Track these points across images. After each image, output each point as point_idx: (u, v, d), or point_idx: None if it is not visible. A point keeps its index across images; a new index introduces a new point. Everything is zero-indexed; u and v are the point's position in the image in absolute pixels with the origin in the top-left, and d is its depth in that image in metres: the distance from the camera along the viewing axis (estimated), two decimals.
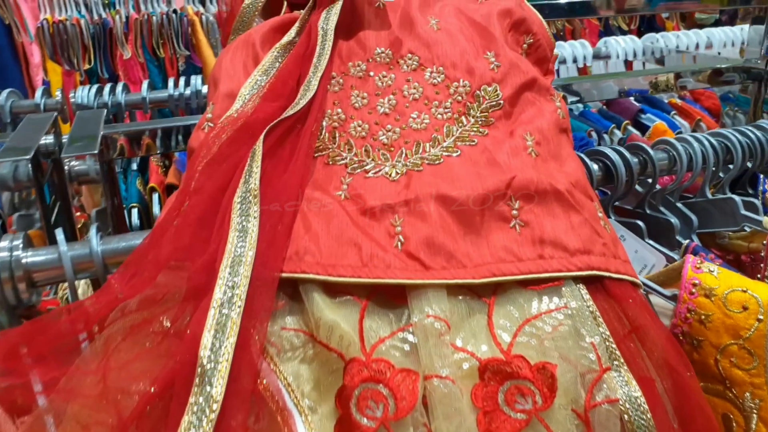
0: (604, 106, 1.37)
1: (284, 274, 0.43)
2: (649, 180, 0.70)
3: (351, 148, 0.55)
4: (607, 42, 1.42)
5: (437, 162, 0.53)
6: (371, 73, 0.60)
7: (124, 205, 1.05)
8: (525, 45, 0.65)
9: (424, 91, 0.59)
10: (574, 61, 1.38)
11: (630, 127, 1.28)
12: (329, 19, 0.60)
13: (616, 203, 0.70)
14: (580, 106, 1.41)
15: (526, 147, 0.54)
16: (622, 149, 0.69)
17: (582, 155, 0.67)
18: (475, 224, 0.48)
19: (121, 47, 2.62)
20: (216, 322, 0.38)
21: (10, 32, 2.45)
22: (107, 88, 1.09)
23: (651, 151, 0.69)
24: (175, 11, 2.59)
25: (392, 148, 0.55)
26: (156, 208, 1.05)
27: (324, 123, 0.56)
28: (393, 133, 0.56)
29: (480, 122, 0.57)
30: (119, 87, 1.10)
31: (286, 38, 0.60)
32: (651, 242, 0.65)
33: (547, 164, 0.54)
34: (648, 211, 0.70)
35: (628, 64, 1.50)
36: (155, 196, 1.05)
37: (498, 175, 0.51)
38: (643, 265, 0.61)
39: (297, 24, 0.62)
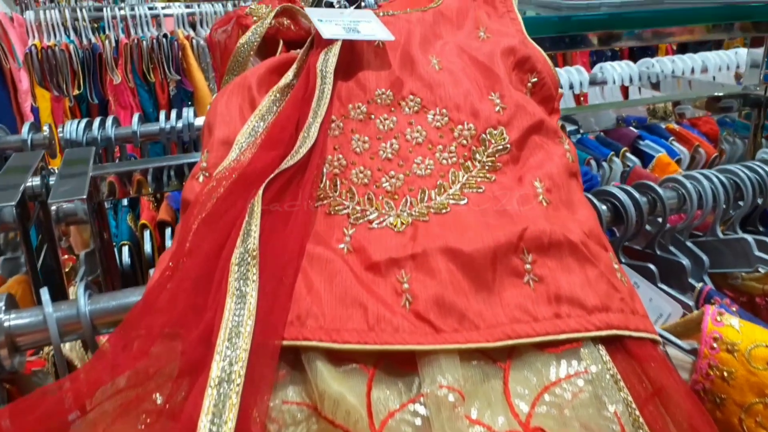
0: (602, 133, 1.35)
1: (286, 342, 0.41)
2: (659, 219, 0.68)
3: (353, 196, 0.52)
4: (603, 67, 1.41)
5: (444, 211, 0.51)
6: (372, 116, 0.58)
7: (115, 243, 1.02)
8: (530, 84, 0.63)
9: (427, 134, 0.57)
10: (570, 87, 1.37)
11: (629, 155, 1.26)
12: (328, 61, 0.58)
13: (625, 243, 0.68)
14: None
15: (537, 194, 0.52)
16: (630, 189, 0.67)
17: (590, 196, 0.65)
18: (487, 280, 0.46)
19: (111, 72, 2.60)
20: (213, 404, 0.35)
21: None
22: (96, 122, 1.06)
23: (660, 190, 0.67)
24: (165, 35, 2.57)
25: (396, 196, 0.52)
26: (147, 246, 1.02)
27: (324, 170, 0.54)
28: (396, 180, 0.53)
29: (487, 167, 0.54)
30: (109, 121, 1.07)
31: (283, 81, 0.58)
32: (664, 287, 0.62)
33: (559, 213, 0.52)
34: (658, 252, 0.68)
35: (623, 89, 1.49)
36: (146, 234, 1.02)
37: (509, 226, 0.48)
38: (658, 314, 0.58)
39: (294, 65, 0.60)
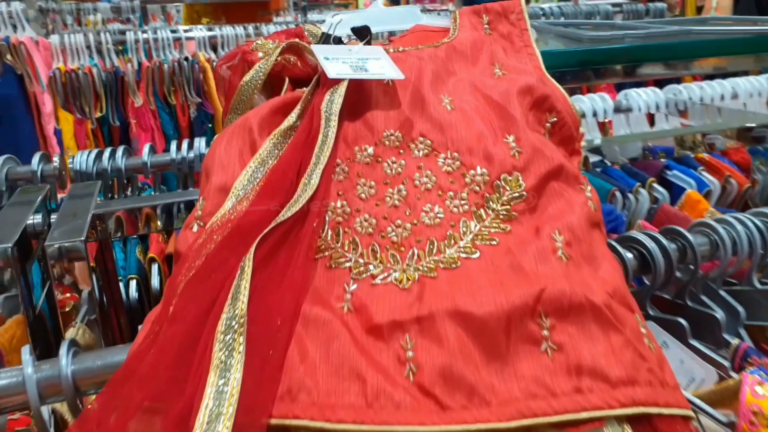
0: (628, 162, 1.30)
1: (274, 421, 0.37)
2: (691, 266, 0.63)
3: (356, 247, 0.49)
4: (628, 94, 1.36)
5: (454, 266, 0.47)
6: (379, 159, 0.54)
7: (122, 277, 1.00)
8: (548, 124, 0.59)
9: (437, 180, 0.53)
10: (594, 114, 1.32)
11: (656, 185, 1.21)
12: (333, 102, 0.55)
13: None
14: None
15: (555, 249, 0.48)
16: (657, 235, 0.62)
17: (614, 244, 0.60)
18: (500, 348, 0.42)
19: (133, 95, 2.62)
20: None
21: (22, 82, 2.45)
22: (107, 153, 1.04)
23: (690, 236, 0.62)
24: (186, 58, 2.58)
25: (402, 248, 0.49)
26: (155, 280, 0.99)
27: (327, 217, 0.50)
28: (403, 230, 0.50)
29: (501, 217, 0.51)
30: (119, 152, 1.05)
31: (286, 123, 0.55)
32: (696, 343, 0.57)
33: (581, 270, 0.47)
34: (689, 303, 0.63)
35: (649, 116, 1.43)
36: (155, 267, 0.99)
37: (525, 286, 0.44)
38: (690, 379, 0.54)
39: (298, 106, 0.56)
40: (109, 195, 1.06)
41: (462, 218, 0.51)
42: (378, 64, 0.59)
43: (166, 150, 1.06)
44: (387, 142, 0.56)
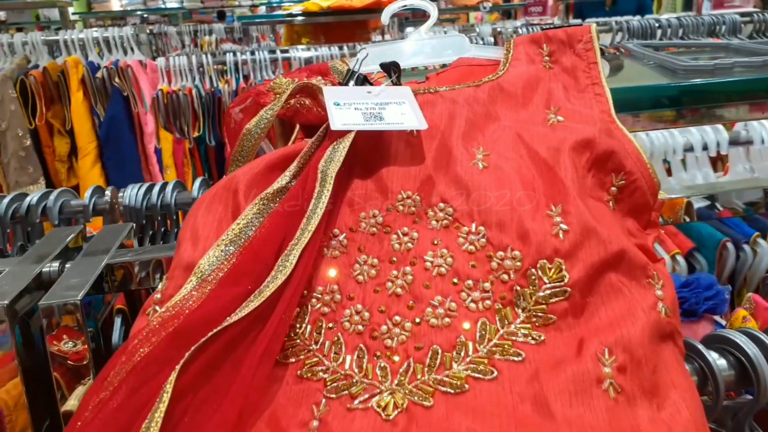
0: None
1: None
2: None
3: (339, 351, 0.38)
4: (749, 125, 1.15)
5: (458, 391, 0.35)
6: (388, 229, 0.44)
7: None
8: (614, 188, 0.46)
9: (454, 262, 0.41)
10: (705, 148, 1.13)
11: None
12: (332, 160, 0.45)
13: None
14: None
15: (601, 378, 0.35)
16: (761, 335, 0.46)
17: (699, 346, 0.46)
18: None
19: None
20: None
21: (127, 103, 2.57)
22: (157, 187, 1.01)
23: None
24: None
25: (396, 357, 0.38)
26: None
27: (309, 306, 0.40)
28: (401, 331, 0.39)
29: (534, 320, 0.38)
30: (169, 187, 1.02)
31: (277, 184, 0.46)
32: None
33: (634, 410, 0.34)
34: None
35: None
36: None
37: None
38: None
39: (295, 162, 0.47)
40: (162, 228, 1.03)
41: (481, 318, 0.39)
42: (398, 111, 0.48)
43: None
44: (401, 207, 0.45)
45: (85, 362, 0.76)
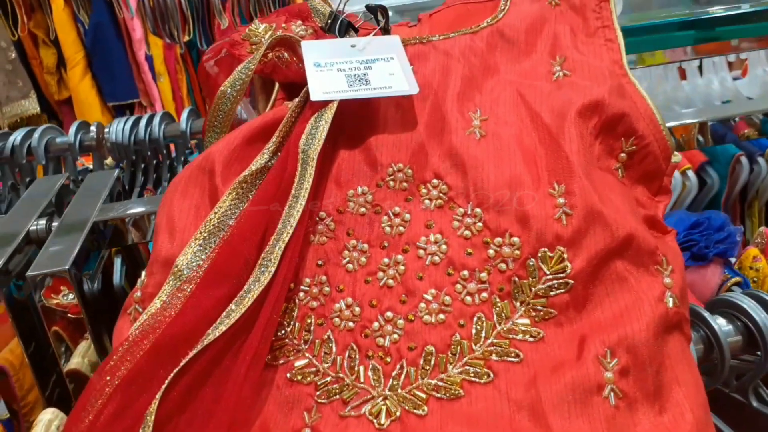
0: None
1: None
2: None
3: (329, 352, 0.37)
4: None
5: (452, 396, 0.34)
6: (378, 209, 0.41)
7: None
8: (623, 155, 0.42)
9: (448, 249, 0.39)
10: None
11: None
12: (315, 135, 0.41)
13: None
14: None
15: (602, 384, 0.33)
16: None
17: (705, 314, 0.44)
18: None
19: (219, 16, 2.55)
20: None
21: (111, 9, 2.43)
22: (144, 120, 0.97)
23: None
24: None
25: (389, 358, 0.36)
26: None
27: (297, 300, 0.38)
28: (394, 328, 0.37)
29: (533, 314, 0.36)
30: (156, 118, 0.97)
31: (255, 163, 0.42)
32: None
33: (636, 417, 0.33)
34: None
35: None
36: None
37: None
38: None
39: (275, 135, 0.43)
40: (153, 161, 0.99)
41: (477, 313, 0.37)
42: (386, 71, 0.44)
43: None
44: (392, 183, 0.42)
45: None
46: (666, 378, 0.34)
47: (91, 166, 1.04)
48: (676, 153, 0.43)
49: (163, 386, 0.32)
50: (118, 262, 0.81)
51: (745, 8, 0.54)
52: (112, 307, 0.74)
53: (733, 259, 0.64)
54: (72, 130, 0.96)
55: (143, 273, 0.41)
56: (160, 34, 2.52)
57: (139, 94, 2.48)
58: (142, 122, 0.96)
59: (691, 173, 0.95)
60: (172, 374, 0.32)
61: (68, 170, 0.97)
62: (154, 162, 1.00)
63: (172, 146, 1.00)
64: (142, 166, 0.99)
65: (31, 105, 2.38)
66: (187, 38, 2.53)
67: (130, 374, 0.33)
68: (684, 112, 0.78)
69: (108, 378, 0.34)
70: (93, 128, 0.96)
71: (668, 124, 0.73)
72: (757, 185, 1.00)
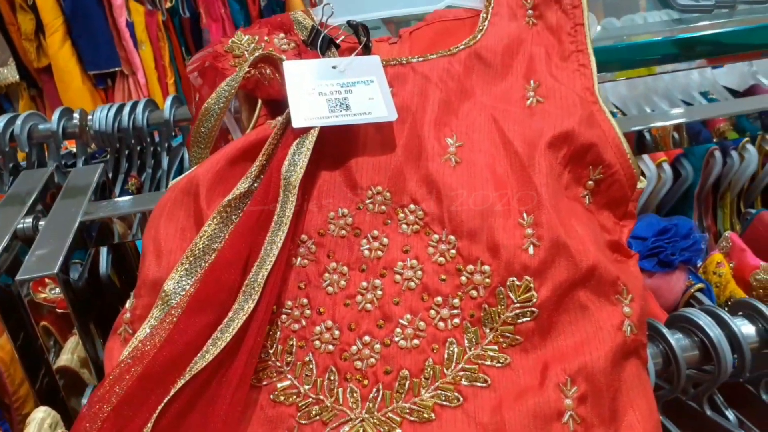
0: None
1: None
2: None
3: (311, 374, 0.39)
4: None
5: (424, 420, 0.37)
6: (358, 231, 0.43)
7: None
8: (590, 182, 0.44)
9: (423, 275, 0.41)
10: None
11: None
12: (297, 163, 0.42)
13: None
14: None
15: (562, 411, 0.36)
16: (722, 314, 0.47)
17: (663, 330, 0.46)
18: None
19: None
20: None
21: None
22: (127, 107, 0.97)
23: None
24: None
25: (366, 381, 0.38)
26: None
27: (279, 322, 0.40)
28: (371, 353, 0.39)
29: (501, 341, 0.38)
30: (140, 106, 0.97)
31: (239, 188, 0.43)
32: None
33: None
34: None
35: None
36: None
37: None
38: None
39: (258, 161, 0.44)
40: (138, 147, 0.99)
41: (449, 338, 0.39)
42: (366, 95, 0.45)
43: None
44: (371, 206, 0.43)
45: None
46: (621, 403, 0.37)
47: (74, 149, 1.04)
48: (642, 179, 0.45)
49: (155, 414, 0.34)
50: (104, 251, 0.82)
51: (730, 28, 0.55)
52: (100, 298, 0.76)
53: (699, 262, 0.67)
54: (55, 117, 0.96)
55: (132, 294, 0.43)
56: (141, 1, 2.47)
57: (120, 63, 2.43)
58: (126, 110, 0.96)
59: (666, 165, 0.97)
60: (162, 403, 0.34)
61: (51, 156, 0.97)
62: (138, 148, 1.00)
63: (155, 132, 1.01)
64: (126, 152, 0.99)
65: (9, 73, 2.34)
66: (169, 5, 2.49)
67: (122, 400, 0.35)
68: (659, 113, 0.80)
69: (100, 405, 0.36)
70: (76, 115, 0.96)
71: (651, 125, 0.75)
72: (729, 177, 1.03)
